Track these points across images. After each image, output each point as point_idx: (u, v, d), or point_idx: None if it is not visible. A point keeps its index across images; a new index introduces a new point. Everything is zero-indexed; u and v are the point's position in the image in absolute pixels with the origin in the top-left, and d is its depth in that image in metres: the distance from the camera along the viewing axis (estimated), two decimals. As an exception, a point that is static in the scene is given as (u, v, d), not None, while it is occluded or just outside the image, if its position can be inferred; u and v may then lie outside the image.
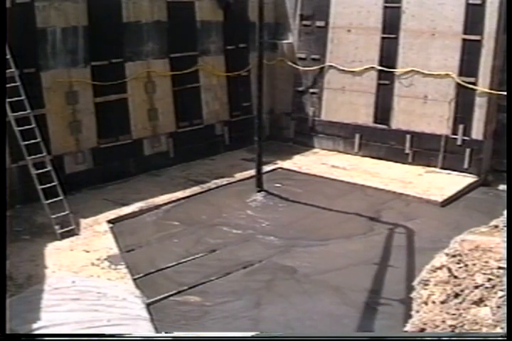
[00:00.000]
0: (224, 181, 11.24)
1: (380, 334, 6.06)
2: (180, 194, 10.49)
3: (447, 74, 11.09)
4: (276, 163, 12.35)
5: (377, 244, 8.55)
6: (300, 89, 13.46)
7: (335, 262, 8.04)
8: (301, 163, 12.42)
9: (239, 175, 11.50)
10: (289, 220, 9.51)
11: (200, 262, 8.14)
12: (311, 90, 13.26)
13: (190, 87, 12.14)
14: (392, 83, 11.92)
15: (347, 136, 12.84)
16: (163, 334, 5.52)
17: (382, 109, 12.19)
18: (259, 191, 10.53)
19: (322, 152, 13.17)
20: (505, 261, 5.50)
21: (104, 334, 5.14)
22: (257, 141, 10.25)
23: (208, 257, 8.30)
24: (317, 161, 12.48)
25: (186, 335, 5.31)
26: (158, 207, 9.98)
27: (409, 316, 6.21)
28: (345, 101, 12.71)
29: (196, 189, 10.80)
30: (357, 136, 12.65)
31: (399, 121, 11.99)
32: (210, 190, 10.85)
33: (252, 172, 11.12)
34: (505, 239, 5.79)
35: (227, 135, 13.13)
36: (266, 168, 11.78)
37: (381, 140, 12.27)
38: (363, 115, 12.48)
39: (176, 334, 5.26)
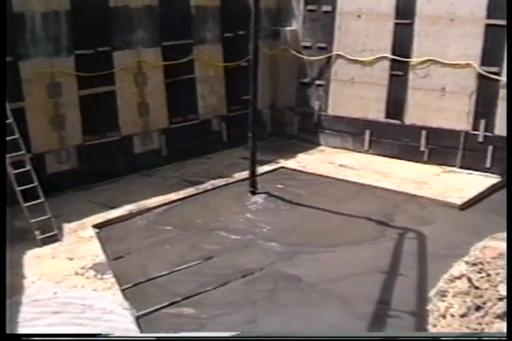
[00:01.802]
0: (221, 182, 11.24)
1: (392, 334, 6.20)
2: (173, 196, 10.50)
3: (468, 64, 11.02)
4: (278, 162, 12.35)
5: (389, 250, 8.52)
6: (304, 81, 13.44)
7: (342, 270, 8.03)
8: (305, 162, 12.42)
9: (238, 176, 11.50)
10: (293, 224, 9.50)
11: (196, 270, 8.13)
12: (317, 82, 13.24)
13: (184, 79, 12.12)
14: (406, 74, 11.88)
15: (356, 133, 12.83)
16: (163, 334, 5.87)
17: (395, 103, 12.16)
18: (252, 193, 10.50)
19: (329, 150, 13.16)
20: (506, 261, 5.71)
21: (104, 335, 5.40)
22: (251, 137, 10.20)
23: (204, 265, 8.29)
24: (323, 160, 12.47)
25: (187, 335, 5.67)
26: (149, 210, 9.99)
27: (423, 330, 6.16)
28: (354, 94, 12.68)
29: (191, 190, 10.80)
30: (367, 133, 12.64)
31: (413, 115, 11.96)
32: (207, 191, 10.86)
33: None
34: (506, 239, 6.08)
35: (225, 131, 13.12)
36: (267, 168, 11.81)
37: (393, 137, 12.24)
38: (374, 109, 12.46)
39: (176, 334, 5.74)
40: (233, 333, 4.84)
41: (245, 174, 11.41)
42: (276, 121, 14.02)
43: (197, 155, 12.48)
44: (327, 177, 11.45)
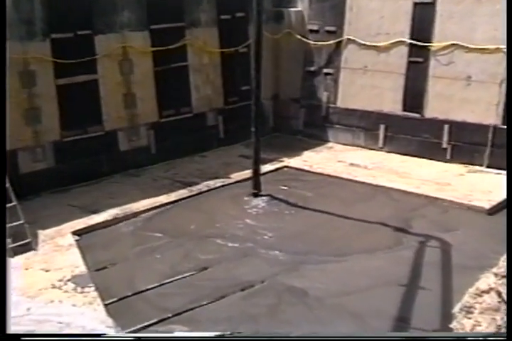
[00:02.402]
0: (218, 183, 11.24)
1: (416, 334, 6.25)
2: (164, 198, 10.49)
3: (497, 49, 10.96)
4: (281, 161, 12.34)
5: (407, 260, 8.50)
6: (311, 69, 13.45)
7: (354, 282, 7.99)
8: (312, 160, 12.40)
9: (236, 176, 11.50)
10: (298, 231, 9.48)
11: (189, 282, 8.10)
12: (325, 70, 13.24)
13: (175, 67, 12.13)
14: (426, 61, 11.86)
15: (369, 128, 12.83)
16: (163, 334, 6.26)
17: (414, 94, 12.14)
18: (255, 195, 10.51)
19: (338, 147, 13.14)
20: (506, 261, 5.87)
21: (104, 335, 5.81)
22: (254, 132, 10.18)
23: (198, 276, 8.27)
24: (332, 158, 12.45)
25: (187, 335, 6.12)
26: (136, 214, 9.99)
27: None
28: (368, 83, 12.68)
29: (184, 192, 10.80)
30: (381, 128, 12.62)
31: (434, 108, 11.93)
32: (201, 193, 10.86)
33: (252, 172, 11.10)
34: (506, 239, 6.34)
35: (221, 126, 13.12)
36: (269, 167, 11.80)
37: (412, 132, 12.23)
38: (390, 101, 12.45)
39: (176, 334, 6.26)
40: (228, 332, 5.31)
41: (245, 174, 11.44)
42: (279, 114, 14.04)
43: (190, 153, 12.50)
44: (336, 177, 11.43)
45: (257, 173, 10.54)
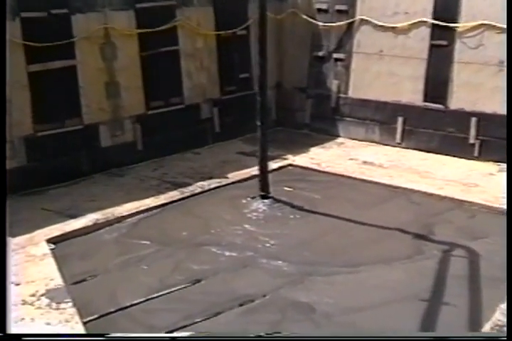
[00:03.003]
0: (213, 183, 11.25)
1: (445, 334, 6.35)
2: (151, 201, 10.52)
3: (534, 29, 10.93)
4: (285, 159, 12.36)
5: (428, 271, 8.48)
6: (319, 54, 13.46)
7: (367, 297, 7.97)
8: (320, 158, 12.40)
9: (234, 176, 11.51)
10: (304, 238, 9.48)
11: (180, 297, 8.09)
12: (335, 56, 13.26)
13: (165, 52, 12.16)
14: (451, 44, 11.85)
15: (385, 121, 12.85)
16: (163, 334, 6.68)
17: (436, 82, 12.13)
18: (264, 197, 10.47)
19: (350, 143, 13.15)
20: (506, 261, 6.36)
21: (104, 335, 6.12)
22: (259, 126, 10.18)
23: (191, 290, 8.26)
24: (343, 155, 12.46)
25: (187, 336, 6.55)
26: (120, 219, 10.01)
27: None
28: (384, 70, 12.69)
29: (174, 194, 10.81)
30: (399, 121, 12.62)
31: (460, 98, 11.92)
32: (194, 195, 10.87)
33: (252, 171, 11.09)
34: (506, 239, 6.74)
35: (217, 119, 13.15)
36: (271, 166, 11.75)
37: (434, 125, 12.24)
38: (409, 90, 12.45)
39: (176, 334, 6.68)
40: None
41: (244, 173, 11.47)
42: (283, 105, 14.07)
43: (182, 150, 12.53)
44: (348, 177, 11.45)
45: (264, 172, 10.50)
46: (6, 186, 6.70)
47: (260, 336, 6.19)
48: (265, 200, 10.50)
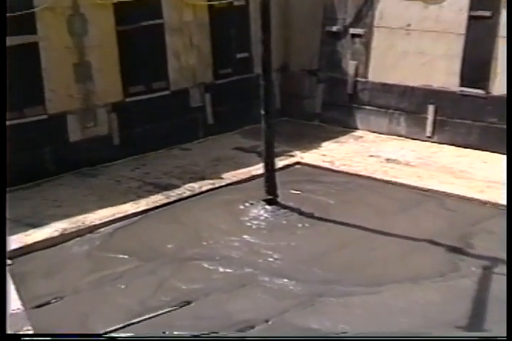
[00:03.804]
0: (205, 186, 11.25)
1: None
2: (130, 207, 10.52)
3: None
4: (292, 156, 12.36)
5: (465, 292, 8.44)
6: (333, 29, 13.46)
7: (391, 323, 7.92)
8: (334, 154, 12.40)
9: (230, 176, 11.52)
10: (315, 251, 9.45)
11: (165, 322, 8.04)
12: (352, 31, 13.25)
13: (146, 26, 12.15)
14: (495, 15, 11.77)
15: (413, 110, 12.85)
16: (164, 334, 7.22)
17: (477, 62, 12.11)
18: (269, 202, 10.44)
19: (370, 136, 13.15)
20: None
21: (104, 335, 6.85)
22: (264, 116, 10.12)
23: (178, 314, 8.23)
24: (361, 152, 12.47)
25: (188, 336, 7.06)
26: (93, 229, 10.00)
27: None
28: (411, 48, 12.65)
29: (158, 199, 10.81)
30: (430, 109, 12.62)
31: (505, 81, 11.79)
32: (182, 200, 10.87)
33: (252, 170, 11.15)
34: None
35: (209, 108, 13.16)
36: (276, 164, 11.73)
37: (473, 115, 12.24)
38: (442, 73, 12.44)
39: (177, 334, 7.31)
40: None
41: (242, 173, 11.46)
42: (289, 91, 14.07)
43: (167, 145, 12.55)
44: (368, 178, 11.46)
45: (270, 171, 10.47)
46: (5, 185, 7.06)
47: (261, 336, 6.79)
48: (268, 206, 10.48)
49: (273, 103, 13.61)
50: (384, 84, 13.00)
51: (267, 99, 10.07)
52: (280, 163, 11.84)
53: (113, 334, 7.70)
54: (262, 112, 10.10)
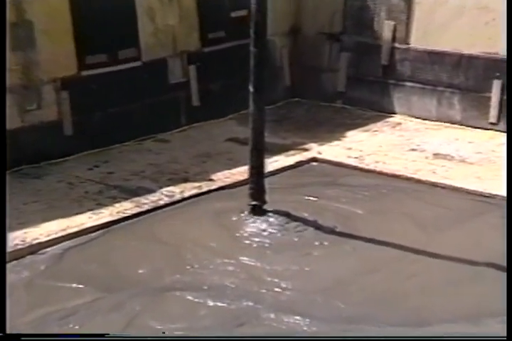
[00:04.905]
0: (188, 190, 11.31)
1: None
2: (87, 219, 10.54)
3: None
4: (306, 149, 12.45)
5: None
6: (361, -23, 13.54)
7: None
8: (362, 147, 12.48)
9: (222, 177, 11.62)
10: (336, 278, 9.44)
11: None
12: (387, -20, 13.29)
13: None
14: None
15: (471, 87, 12.91)
16: (164, 335, 8.28)
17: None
18: (255, 211, 10.46)
19: (411, 123, 13.29)
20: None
21: (107, 335, 7.68)
22: (252, 94, 10.11)
23: (151, 364, 8.25)
24: (400, 144, 12.56)
25: (188, 336, 8.17)
26: (36, 248, 10.00)
27: None
28: (470, 2, 12.69)
29: (126, 208, 10.86)
30: (495, 86, 12.68)
31: None
32: (159, 209, 10.92)
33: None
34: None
35: (194, 85, 13.27)
36: (283, 161, 11.89)
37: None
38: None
39: (176, 334, 8.31)
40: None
41: (237, 173, 11.53)
42: (302, 63, 14.18)
43: (138, 135, 12.68)
44: (409, 179, 11.52)
45: (259, 171, 10.44)
46: (5, 181, 7.93)
47: (260, 337, 7.84)
48: (272, 217, 10.49)
49: (278, 78, 13.70)
50: (431, 52, 13.09)
51: (257, 71, 10.04)
52: (290, 159, 11.99)
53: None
54: (251, 89, 10.09)
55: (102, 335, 7.68)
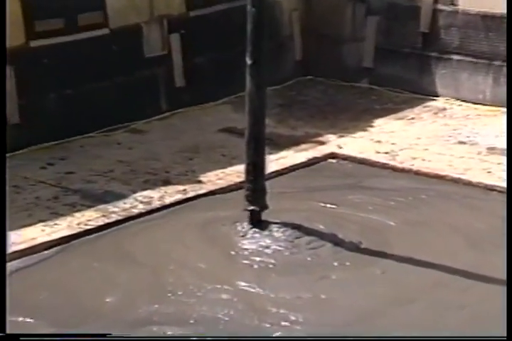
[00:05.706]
0: (170, 195, 11.39)
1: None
2: (40, 232, 10.60)
3: None
4: (322, 142, 12.52)
5: None
6: None
7: None
8: (395, 140, 12.60)
9: (213, 178, 11.73)
10: (360, 309, 9.43)
11: None
12: None
13: None
14: None
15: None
16: (165, 334, 9.07)
17: None
18: (254, 222, 10.47)
19: (458, 108, 13.39)
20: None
21: (108, 335, 8.51)
22: (249, 67, 10.09)
23: None
24: (445, 135, 12.66)
25: (188, 336, 9.04)
26: None
27: None
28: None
29: (89, 218, 10.91)
30: None
31: None
32: (131, 220, 11.00)
33: None
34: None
35: (178, 59, 13.38)
36: (293, 157, 12.00)
37: None
38: None
39: (177, 334, 9.09)
40: None
41: (232, 173, 11.65)
42: (317, 30, 14.27)
43: (105, 124, 12.77)
44: (455, 182, 11.57)
45: (257, 167, 10.39)
46: (5, 179, 8.50)
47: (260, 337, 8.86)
48: (278, 229, 10.47)
49: (285, 51, 13.70)
50: (485, 16, 13.07)
51: (256, 37, 10.05)
52: (302, 155, 12.05)
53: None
54: (248, 61, 10.10)
55: (103, 335, 8.46)
